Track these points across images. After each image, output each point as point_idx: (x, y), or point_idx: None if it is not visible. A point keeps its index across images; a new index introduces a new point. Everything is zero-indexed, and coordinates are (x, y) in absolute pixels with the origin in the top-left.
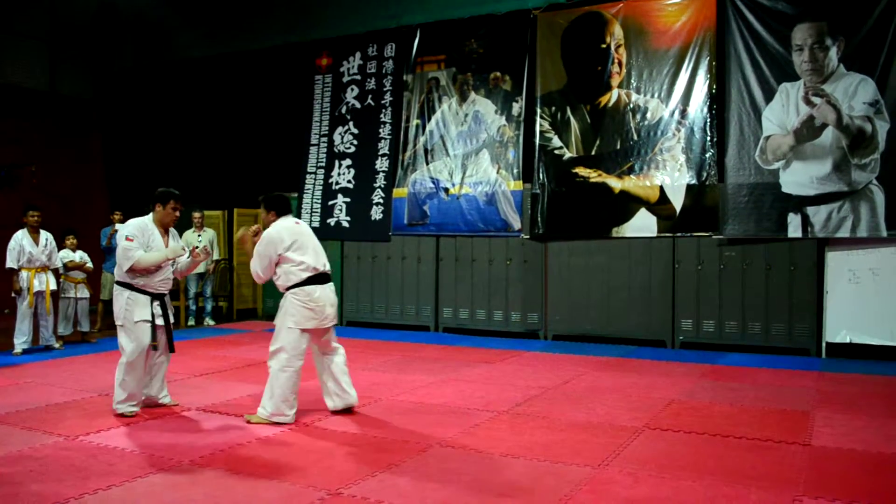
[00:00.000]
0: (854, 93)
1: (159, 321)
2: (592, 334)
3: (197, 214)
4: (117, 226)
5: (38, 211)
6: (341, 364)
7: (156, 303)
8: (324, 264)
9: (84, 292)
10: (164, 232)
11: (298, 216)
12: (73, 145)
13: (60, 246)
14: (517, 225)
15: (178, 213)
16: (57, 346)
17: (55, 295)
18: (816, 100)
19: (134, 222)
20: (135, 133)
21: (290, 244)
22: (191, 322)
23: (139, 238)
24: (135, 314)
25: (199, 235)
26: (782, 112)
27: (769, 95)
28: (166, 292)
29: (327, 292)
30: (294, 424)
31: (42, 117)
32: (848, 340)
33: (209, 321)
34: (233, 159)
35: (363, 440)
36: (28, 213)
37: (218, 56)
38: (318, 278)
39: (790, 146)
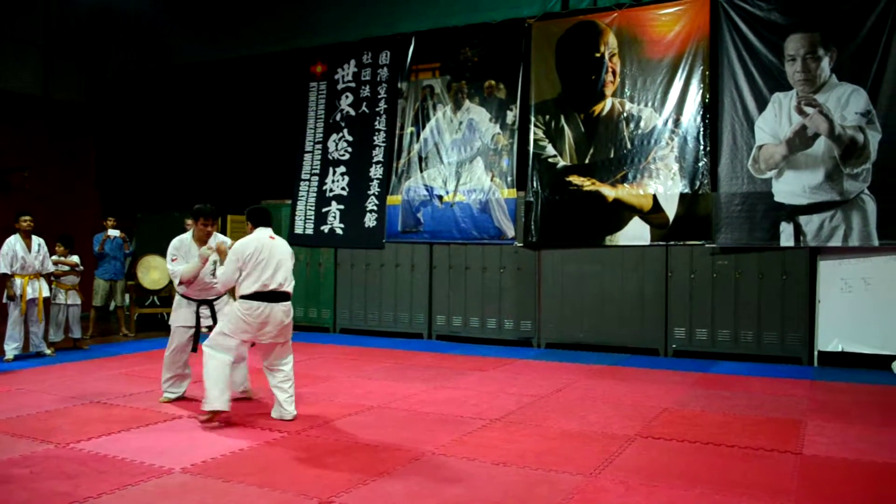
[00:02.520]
0: (846, 103)
1: (206, 322)
2: (585, 342)
3: (190, 221)
4: (110, 232)
5: (30, 216)
6: (276, 382)
7: (202, 307)
8: (280, 283)
9: (75, 299)
10: (203, 245)
11: (292, 223)
12: (66, 150)
13: (52, 253)
14: (511, 233)
15: (208, 229)
16: (48, 352)
17: (46, 301)
18: (809, 110)
19: (174, 240)
20: (128, 139)
21: (251, 255)
22: None
23: (179, 254)
24: (176, 319)
25: None
26: (775, 122)
27: (762, 105)
28: (210, 298)
29: (275, 311)
30: (286, 433)
31: (35, 122)
32: (840, 349)
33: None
34: (226, 166)
35: (355, 448)
36: (20, 219)
37: (212, 62)
38: (268, 296)
39: (783, 155)
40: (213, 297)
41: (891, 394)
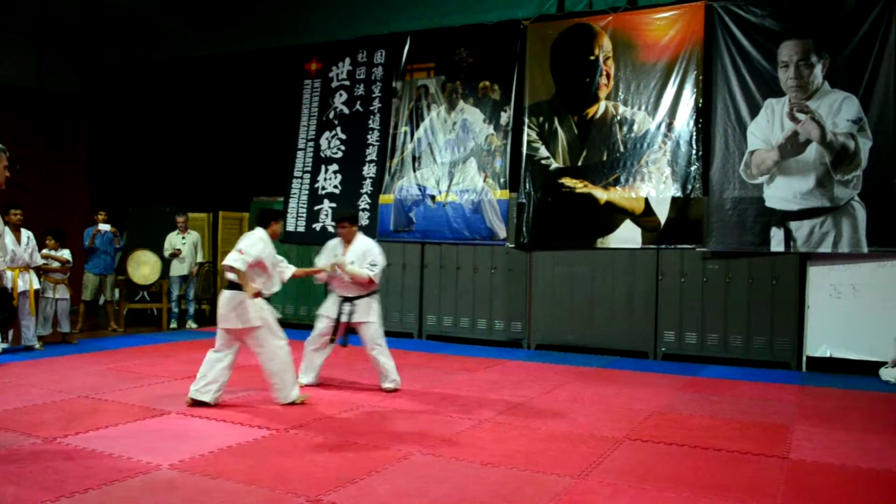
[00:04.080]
0: (838, 110)
1: (344, 317)
2: (575, 344)
3: (181, 217)
4: (101, 226)
5: (20, 209)
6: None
7: (345, 304)
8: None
9: (64, 293)
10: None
11: (284, 220)
12: (58, 143)
13: (42, 246)
14: (503, 234)
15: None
16: (37, 346)
17: (36, 294)
18: (801, 116)
19: (334, 241)
20: (120, 133)
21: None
22: (173, 325)
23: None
24: (321, 307)
25: (182, 238)
26: (767, 127)
27: (755, 111)
28: (351, 295)
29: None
30: (275, 430)
31: (28, 115)
32: (828, 355)
33: (191, 324)
34: (219, 162)
35: (344, 447)
36: (10, 212)
37: (206, 57)
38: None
39: (774, 161)
40: (354, 295)
41: (877, 400)
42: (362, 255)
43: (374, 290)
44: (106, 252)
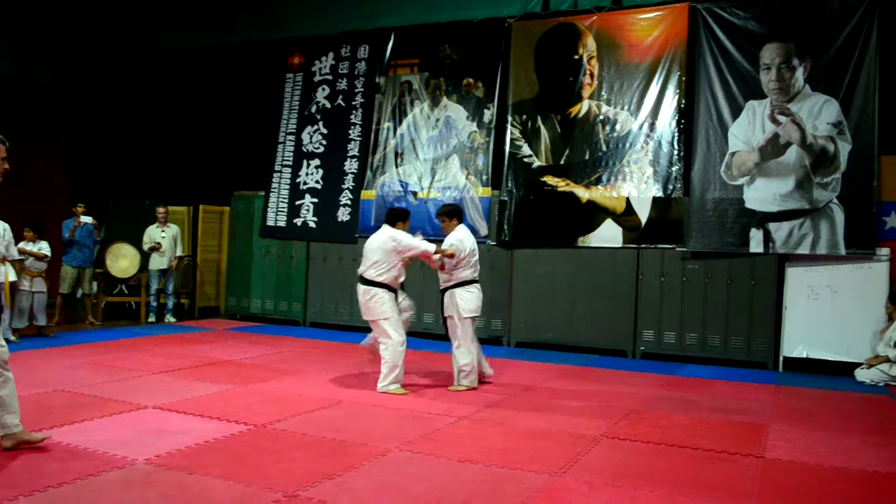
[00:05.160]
0: (818, 113)
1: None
2: (555, 342)
3: (161, 209)
4: (81, 218)
5: None
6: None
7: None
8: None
9: (41, 286)
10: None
11: (264, 215)
12: (36, 134)
13: (19, 238)
14: (484, 231)
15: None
16: (13, 339)
17: (13, 286)
18: (782, 118)
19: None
20: (100, 124)
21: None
22: (151, 319)
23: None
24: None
25: (162, 231)
26: (748, 129)
27: (736, 112)
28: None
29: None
30: (253, 425)
31: (4, 104)
32: (805, 355)
33: (170, 318)
34: (200, 155)
35: (322, 443)
36: None
37: (188, 49)
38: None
39: (755, 163)
40: (442, 287)
41: (853, 400)
42: (449, 244)
43: (456, 281)
44: (85, 244)
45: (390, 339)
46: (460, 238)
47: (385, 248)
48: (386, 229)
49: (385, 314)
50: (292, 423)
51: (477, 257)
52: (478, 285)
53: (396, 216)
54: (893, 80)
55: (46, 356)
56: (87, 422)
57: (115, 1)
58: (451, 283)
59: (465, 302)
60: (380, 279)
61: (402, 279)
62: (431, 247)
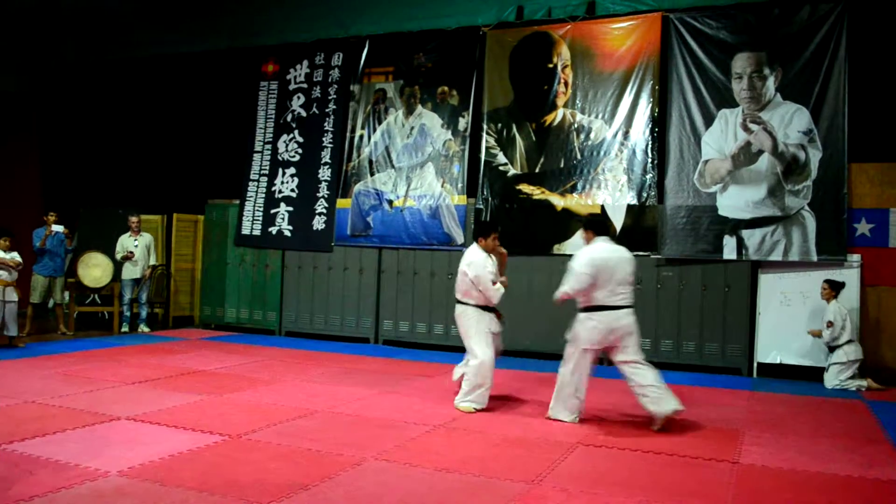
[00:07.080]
0: (789, 121)
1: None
2: (532, 350)
3: (134, 218)
4: (53, 227)
5: None
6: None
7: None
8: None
9: (12, 295)
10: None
11: (239, 224)
12: (6, 142)
13: None
14: (460, 239)
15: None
16: None
17: None
18: (754, 127)
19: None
20: (73, 131)
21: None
22: (124, 328)
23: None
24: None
25: (135, 240)
26: (721, 137)
27: (709, 121)
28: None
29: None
30: (227, 436)
31: None
32: (778, 361)
33: (143, 328)
34: (173, 163)
35: (297, 453)
36: None
37: (161, 56)
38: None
39: (728, 171)
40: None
41: (825, 405)
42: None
43: (586, 304)
44: (56, 254)
45: (476, 358)
46: (582, 262)
47: (461, 269)
48: (471, 249)
49: (469, 332)
50: (267, 434)
51: (620, 277)
52: (610, 312)
53: (477, 231)
54: (862, 88)
55: (17, 367)
56: (58, 433)
57: (87, 7)
58: (583, 305)
59: (582, 329)
60: (465, 300)
61: (495, 298)
62: (495, 294)
